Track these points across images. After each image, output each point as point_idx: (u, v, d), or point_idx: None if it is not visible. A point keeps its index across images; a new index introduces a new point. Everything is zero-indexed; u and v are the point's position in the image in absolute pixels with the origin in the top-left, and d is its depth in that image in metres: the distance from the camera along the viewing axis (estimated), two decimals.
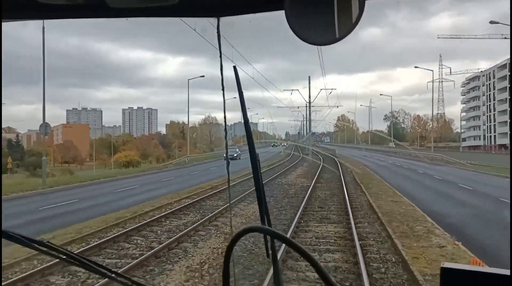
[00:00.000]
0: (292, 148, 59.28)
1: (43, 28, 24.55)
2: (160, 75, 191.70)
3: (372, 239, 9.90)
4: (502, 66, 75.62)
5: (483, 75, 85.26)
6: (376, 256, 8.43)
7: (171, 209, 13.94)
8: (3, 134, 69.92)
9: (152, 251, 8.64)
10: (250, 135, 1.15)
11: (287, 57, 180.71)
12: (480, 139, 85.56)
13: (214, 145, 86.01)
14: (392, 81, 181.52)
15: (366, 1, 0.78)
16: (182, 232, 10.29)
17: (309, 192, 17.92)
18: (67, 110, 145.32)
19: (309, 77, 53.84)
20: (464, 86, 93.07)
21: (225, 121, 1.38)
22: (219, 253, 8.74)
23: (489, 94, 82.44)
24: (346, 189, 18.56)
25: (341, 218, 12.61)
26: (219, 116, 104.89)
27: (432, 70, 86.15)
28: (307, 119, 53.65)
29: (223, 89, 1.26)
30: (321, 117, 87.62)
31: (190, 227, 10.88)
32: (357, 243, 9.01)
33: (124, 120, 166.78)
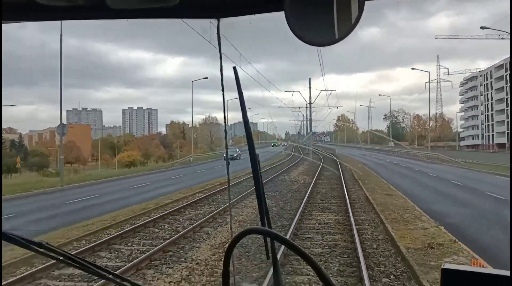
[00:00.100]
0: (293, 148, 60.13)
1: (61, 30, 26.08)
2: (160, 75, 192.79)
3: (367, 224, 11.48)
4: (499, 66, 77.01)
5: (481, 75, 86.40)
6: (370, 237, 10.01)
7: (188, 201, 15.51)
8: (6, 135, 70.82)
9: (180, 233, 10.21)
10: (250, 136, 1.15)
11: (287, 58, 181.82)
12: (478, 138, 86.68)
13: (214, 145, 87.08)
14: (392, 80, 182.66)
15: (365, 2, 0.78)
16: (202, 220, 11.85)
17: (311, 187, 19.47)
18: (67, 111, 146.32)
19: (310, 78, 55.21)
20: (462, 86, 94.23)
21: (225, 122, 1.40)
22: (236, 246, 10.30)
23: (487, 94, 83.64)
24: (345, 185, 20.09)
25: (340, 208, 14.17)
26: (219, 116, 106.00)
27: (428, 72, 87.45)
28: (307, 119, 55.05)
29: (223, 90, 1.26)
30: (321, 117, 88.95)
31: (208, 216, 12.45)
32: (354, 227, 10.57)
33: (124, 120, 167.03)
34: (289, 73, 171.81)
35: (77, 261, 1.03)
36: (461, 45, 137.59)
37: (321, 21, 0.78)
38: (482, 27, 32.68)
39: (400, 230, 10.28)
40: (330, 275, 7.14)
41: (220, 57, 1.17)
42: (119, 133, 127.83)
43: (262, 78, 35.43)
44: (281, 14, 0.80)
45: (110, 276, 1.08)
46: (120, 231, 10.59)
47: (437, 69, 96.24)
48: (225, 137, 1.73)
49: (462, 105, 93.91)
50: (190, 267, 7.80)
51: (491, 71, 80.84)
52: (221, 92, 1.26)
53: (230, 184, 20.36)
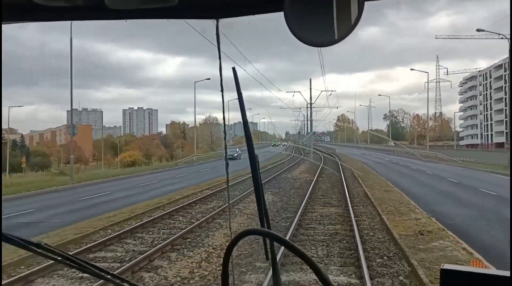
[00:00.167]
0: (293, 149, 60.64)
1: (71, 31, 27.07)
2: (160, 75, 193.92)
3: (365, 216, 12.52)
4: (498, 66, 77.82)
5: (480, 75, 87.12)
6: (367, 226, 11.05)
7: (197, 197, 16.55)
8: (7, 135, 71.43)
9: (194, 224, 11.25)
10: (249, 136, 1.16)
11: (287, 58, 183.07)
12: (477, 138, 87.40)
13: (215, 145, 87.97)
14: (392, 80, 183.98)
15: (365, 2, 0.79)
16: (213, 212, 12.89)
17: (312, 184, 20.50)
18: (67, 111, 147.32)
19: (310, 79, 56.42)
20: (461, 86, 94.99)
21: (224, 122, 1.41)
22: (246, 225, 11.35)
23: (486, 94, 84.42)
24: (345, 182, 21.11)
25: (340, 203, 15.20)
26: (220, 116, 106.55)
27: (427, 72, 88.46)
28: (308, 119, 56.00)
29: (222, 90, 1.26)
30: (321, 117, 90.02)
31: (218, 209, 13.47)
32: (353, 219, 11.60)
33: (125, 121, 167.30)
34: (289, 73, 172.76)
35: (75, 262, 1.03)
36: (461, 45, 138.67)
37: (320, 22, 0.79)
38: (478, 30, 33.68)
39: (394, 220, 11.31)
40: (332, 257, 8.22)
41: (219, 58, 1.18)
42: (120, 133, 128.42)
43: (262, 78, 36.16)
44: (281, 14, 0.80)
45: (109, 276, 1.07)
46: (140, 222, 11.63)
47: (436, 69, 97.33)
48: (224, 138, 1.76)
49: (462, 104, 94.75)
50: (208, 251, 8.84)
51: (490, 71, 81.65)
52: (222, 93, 1.27)
53: (235, 182, 21.56)
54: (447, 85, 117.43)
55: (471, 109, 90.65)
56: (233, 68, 1.12)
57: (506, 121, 76.39)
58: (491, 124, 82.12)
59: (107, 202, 16.52)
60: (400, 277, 7.02)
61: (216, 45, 1.12)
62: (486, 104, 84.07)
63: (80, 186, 24.49)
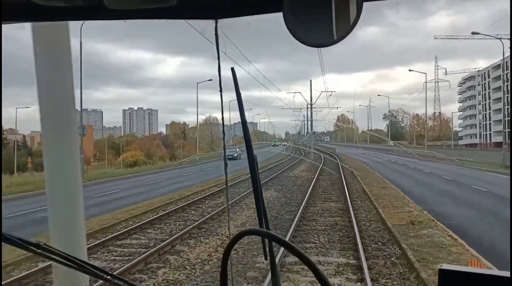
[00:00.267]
0: (293, 149, 61.40)
1: (81, 33, 28.10)
2: (160, 75, 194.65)
3: (362, 210, 13.60)
4: (497, 66, 78.69)
5: (479, 75, 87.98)
6: (364, 218, 12.14)
7: (206, 193, 17.64)
8: (9, 136, 71.94)
9: (207, 216, 12.33)
10: (248, 137, 1.16)
11: (286, 58, 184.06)
12: (476, 137, 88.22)
13: (215, 145, 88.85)
14: (392, 80, 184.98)
15: (364, 2, 0.79)
16: (223, 206, 13.97)
17: (313, 182, 21.58)
18: None
19: (311, 80, 57.61)
20: (460, 86, 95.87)
21: (223, 122, 1.43)
22: (254, 218, 12.43)
23: (485, 93, 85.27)
24: (344, 180, 22.18)
25: (340, 198, 16.28)
26: (220, 116, 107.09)
27: (425, 73, 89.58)
28: (308, 119, 57.02)
29: (220, 91, 1.26)
30: (321, 117, 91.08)
31: (223, 206, 14.55)
32: (351, 212, 12.68)
33: (125, 121, 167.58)
34: (288, 73, 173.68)
35: (74, 262, 1.02)
36: (460, 44, 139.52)
37: (319, 22, 0.79)
38: (473, 33, 34.64)
39: (389, 213, 12.39)
40: (332, 243, 9.30)
41: (218, 58, 1.18)
42: (120, 133, 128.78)
43: (262, 78, 37.03)
44: (280, 14, 0.80)
45: (108, 277, 1.07)
46: (156, 215, 12.72)
47: (435, 69, 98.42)
48: (223, 138, 1.67)
49: (461, 104, 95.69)
50: (221, 239, 9.92)
51: (488, 71, 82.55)
52: (220, 93, 1.26)
53: (239, 180, 22.59)
54: (446, 85, 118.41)
55: (470, 109, 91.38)
56: (232, 68, 1.12)
57: (504, 120, 77.34)
58: (489, 123, 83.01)
59: (123, 198, 17.62)
60: (392, 258, 8.10)
61: (215, 45, 1.13)
62: (485, 103, 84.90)
63: (91, 184, 25.54)
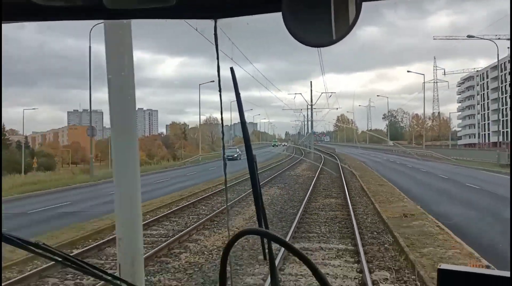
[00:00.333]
0: (293, 149, 62.03)
1: (90, 36, 29.10)
2: (159, 75, 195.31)
3: (360, 205, 14.69)
4: (495, 67, 79.63)
5: (477, 75, 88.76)
6: (362, 212, 13.24)
7: (213, 191, 18.72)
8: (12, 137, 72.55)
9: (217, 210, 13.42)
10: (247, 137, 1.16)
11: (285, 58, 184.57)
12: (475, 137, 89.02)
13: (215, 145, 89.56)
14: (391, 79, 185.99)
15: (363, 2, 0.79)
16: (231, 202, 15.05)
17: (314, 180, 22.67)
18: (68, 112, 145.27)
19: (311, 82, 58.66)
20: (459, 86, 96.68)
21: (222, 122, 1.45)
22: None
23: (483, 93, 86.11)
24: (344, 178, 23.26)
25: (340, 195, 17.37)
26: (220, 116, 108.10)
27: (423, 74, 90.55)
28: (308, 120, 57.98)
29: (220, 91, 1.27)
30: (321, 117, 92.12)
31: (233, 200, 15.63)
32: (350, 207, 13.75)
33: None
34: (288, 73, 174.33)
35: (74, 262, 1.02)
36: (460, 44, 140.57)
37: (318, 22, 0.79)
38: (468, 36, 35.74)
39: (385, 207, 13.47)
40: (332, 233, 10.39)
41: (217, 58, 1.19)
42: None
43: (262, 78, 37.93)
44: (279, 14, 0.80)
45: (109, 278, 1.07)
46: (170, 210, 13.80)
47: (434, 70, 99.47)
48: (222, 138, 1.72)
49: (459, 104, 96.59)
50: (232, 230, 10.98)
51: (487, 71, 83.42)
52: (220, 93, 1.27)
53: (243, 179, 23.61)
54: (445, 85, 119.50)
55: (469, 108, 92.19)
56: (231, 68, 1.13)
57: (502, 120, 78.35)
58: (488, 123, 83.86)
59: None
60: (385, 245, 9.19)
61: (215, 45, 1.14)
62: (483, 103, 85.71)
63: (101, 183, 26.58)
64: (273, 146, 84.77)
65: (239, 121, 1.19)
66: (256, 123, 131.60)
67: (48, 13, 0.95)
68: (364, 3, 0.80)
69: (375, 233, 10.34)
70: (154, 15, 0.96)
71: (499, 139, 72.55)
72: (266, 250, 1.12)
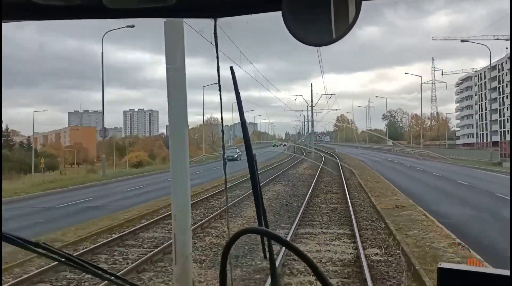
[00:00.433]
0: (294, 149, 63.06)
1: (102, 39, 30.60)
2: (159, 76, 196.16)
3: (358, 199, 16.25)
4: (494, 67, 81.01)
5: (476, 76, 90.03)
6: (359, 205, 14.80)
7: (222, 188, 20.23)
8: (14, 137, 73.66)
9: (227, 205, 14.96)
10: (247, 137, 1.16)
11: (285, 58, 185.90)
12: (473, 137, 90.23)
13: (216, 145, 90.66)
14: (391, 79, 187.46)
15: (363, 2, 0.79)
16: (240, 197, 16.60)
17: (315, 178, 24.23)
18: (68, 113, 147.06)
19: (311, 84, 60.03)
20: (458, 86, 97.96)
21: (222, 122, 1.51)
22: (269, 210, 15.07)
23: (481, 94, 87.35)
24: (343, 176, 24.81)
25: (339, 191, 18.93)
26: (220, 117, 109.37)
27: (420, 76, 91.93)
28: (309, 120, 59.44)
29: (220, 90, 1.28)
30: (321, 117, 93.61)
31: (242, 196, 17.17)
32: (349, 200, 15.32)
33: (126, 122, 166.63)
34: (288, 73, 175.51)
35: (75, 262, 1.02)
36: (460, 44, 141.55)
37: (318, 21, 0.80)
38: (462, 41, 37.23)
39: (379, 200, 15.04)
40: (333, 221, 11.96)
41: (217, 58, 1.20)
42: (121, 135, 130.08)
43: (261, 78, 38.92)
44: (279, 13, 0.81)
45: (112, 278, 1.08)
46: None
47: (432, 70, 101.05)
48: (222, 138, 1.77)
49: (458, 104, 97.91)
50: (245, 220, 12.57)
51: (485, 72, 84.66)
52: (219, 92, 1.28)
53: (248, 178, 25.09)
54: (444, 85, 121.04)
55: (467, 109, 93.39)
56: (231, 67, 1.14)
57: (500, 120, 79.86)
58: (486, 123, 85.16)
59: (150, 192, 20.27)
60: (378, 230, 10.75)
61: (214, 45, 1.13)
62: (482, 104, 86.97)
63: (113, 182, 28.19)
64: (273, 146, 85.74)
65: (239, 121, 1.19)
66: (257, 123, 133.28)
67: (48, 12, 0.96)
68: (363, 3, 0.81)
69: (369, 221, 11.90)
70: (154, 15, 0.96)
71: (501, 138, 73.84)
72: (267, 249, 1.14)
